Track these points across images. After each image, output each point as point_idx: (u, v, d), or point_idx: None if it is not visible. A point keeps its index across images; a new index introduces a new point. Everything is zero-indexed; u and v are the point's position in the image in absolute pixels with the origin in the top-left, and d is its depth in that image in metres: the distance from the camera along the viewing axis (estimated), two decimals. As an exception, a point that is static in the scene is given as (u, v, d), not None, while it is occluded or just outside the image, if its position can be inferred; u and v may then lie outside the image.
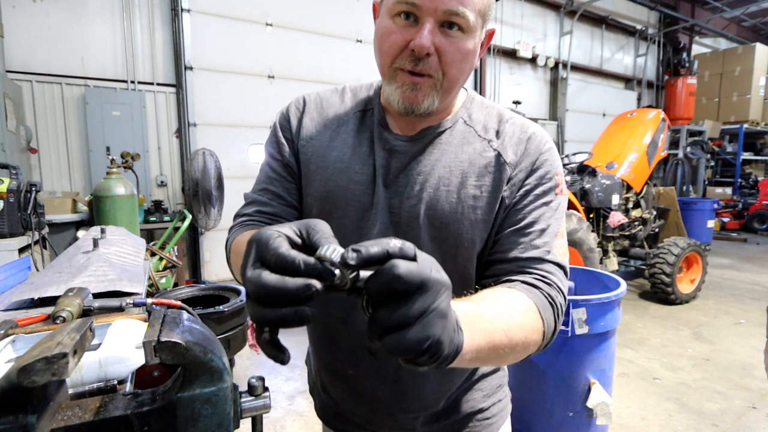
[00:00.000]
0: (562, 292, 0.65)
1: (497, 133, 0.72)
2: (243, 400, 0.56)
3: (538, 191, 0.69)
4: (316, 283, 0.35)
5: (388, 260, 0.35)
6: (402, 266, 0.35)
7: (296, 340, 3.50)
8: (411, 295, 0.35)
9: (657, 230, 5.03)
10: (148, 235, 4.16)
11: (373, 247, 0.36)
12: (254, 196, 0.79)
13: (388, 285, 0.35)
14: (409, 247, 0.37)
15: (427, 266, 0.37)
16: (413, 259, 0.36)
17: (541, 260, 0.65)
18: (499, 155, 0.70)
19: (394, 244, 0.36)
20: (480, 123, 0.74)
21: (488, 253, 0.71)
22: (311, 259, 0.36)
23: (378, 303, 0.37)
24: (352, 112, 0.77)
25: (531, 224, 0.67)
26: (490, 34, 0.70)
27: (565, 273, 0.68)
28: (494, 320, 0.53)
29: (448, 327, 0.38)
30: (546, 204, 0.69)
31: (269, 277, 0.35)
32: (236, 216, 0.79)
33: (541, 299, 0.62)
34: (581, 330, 1.81)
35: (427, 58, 0.62)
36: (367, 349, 0.73)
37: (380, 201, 0.70)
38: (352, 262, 0.35)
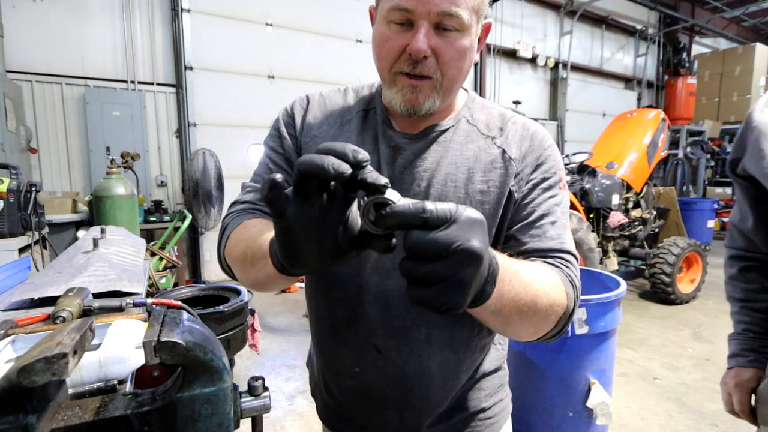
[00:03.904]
0: (579, 280, 0.68)
1: (500, 131, 0.74)
2: (243, 400, 0.56)
3: (544, 185, 0.71)
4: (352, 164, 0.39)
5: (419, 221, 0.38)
6: (422, 236, 0.38)
7: (296, 341, 3.51)
8: (437, 260, 0.38)
9: (657, 230, 5.03)
10: (148, 235, 4.16)
11: (410, 207, 0.38)
12: (255, 185, 0.79)
13: (414, 249, 0.38)
14: (444, 211, 0.38)
15: (454, 236, 0.38)
16: (444, 223, 0.38)
17: (558, 250, 0.68)
18: (504, 152, 0.72)
19: (430, 209, 0.38)
20: (482, 122, 0.75)
21: (501, 248, 0.72)
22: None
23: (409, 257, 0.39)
24: (355, 110, 0.78)
25: (542, 217, 0.69)
26: (487, 28, 0.70)
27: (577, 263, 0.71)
28: (529, 282, 0.55)
29: (470, 293, 0.41)
30: (552, 197, 0.71)
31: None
32: (234, 203, 0.78)
33: (564, 278, 0.64)
34: (581, 330, 1.81)
35: (424, 61, 0.63)
36: (373, 346, 0.73)
37: None
38: (383, 219, 0.38)
